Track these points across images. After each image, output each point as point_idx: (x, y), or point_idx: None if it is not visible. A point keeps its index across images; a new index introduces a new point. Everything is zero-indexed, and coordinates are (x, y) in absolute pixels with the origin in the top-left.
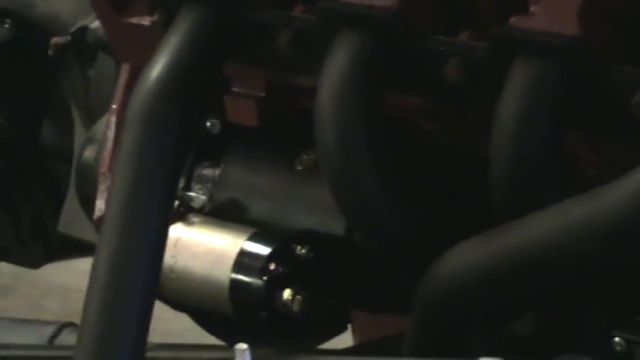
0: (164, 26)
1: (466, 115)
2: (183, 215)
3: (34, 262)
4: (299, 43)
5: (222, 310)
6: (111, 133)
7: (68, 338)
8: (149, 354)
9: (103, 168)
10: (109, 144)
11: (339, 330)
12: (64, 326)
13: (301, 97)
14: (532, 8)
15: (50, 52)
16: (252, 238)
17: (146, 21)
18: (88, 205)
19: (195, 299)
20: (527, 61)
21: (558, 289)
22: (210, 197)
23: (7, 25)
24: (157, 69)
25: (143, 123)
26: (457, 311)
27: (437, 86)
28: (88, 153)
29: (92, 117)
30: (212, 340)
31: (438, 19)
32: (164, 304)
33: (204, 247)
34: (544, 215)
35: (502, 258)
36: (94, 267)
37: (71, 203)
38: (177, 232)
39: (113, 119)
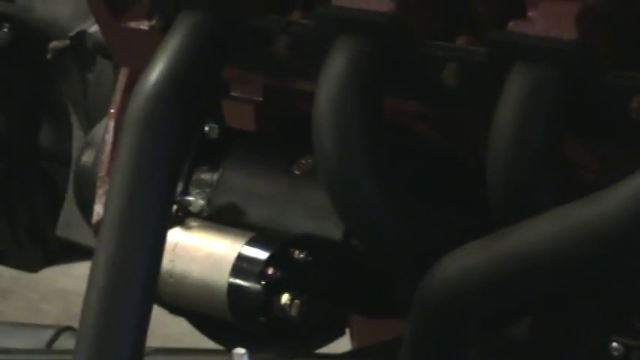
0: (162, 31)
1: (464, 120)
2: (181, 219)
3: (33, 266)
4: (297, 48)
5: (221, 314)
6: (109, 138)
7: (66, 342)
8: (147, 358)
9: (102, 172)
10: (108, 148)
11: (337, 334)
12: (62, 330)
13: (299, 102)
14: (530, 13)
15: (49, 56)
16: (251, 242)
17: (144, 25)
18: (86, 209)
19: (193, 303)
20: (525, 66)
21: (556, 294)
22: (209, 202)
23: (5, 29)
24: (155, 73)
25: (141, 127)
26: (455, 316)
27: (435, 91)
28: (87, 157)
29: (91, 121)
30: (210, 344)
31: (436, 23)
32: (162, 308)
33: (203, 251)
34: (542, 220)
35: (500, 263)
36: (93, 271)
37: (69, 207)
38: (175, 236)
39: (111, 123)
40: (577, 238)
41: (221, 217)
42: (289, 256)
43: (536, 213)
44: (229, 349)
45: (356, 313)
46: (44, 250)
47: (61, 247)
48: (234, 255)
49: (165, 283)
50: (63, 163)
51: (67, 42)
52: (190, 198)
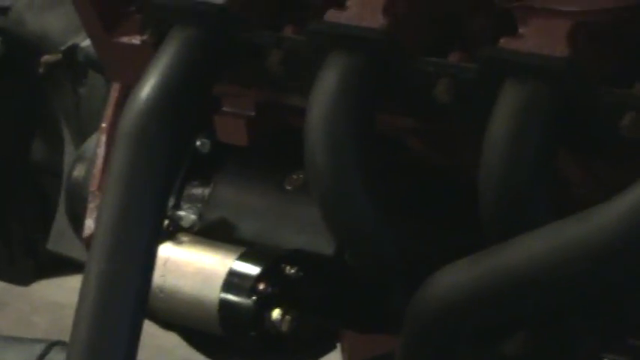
0: (155, 46)
1: (457, 136)
2: (172, 234)
3: (24, 279)
4: (289, 64)
5: (212, 329)
6: (101, 152)
7: (57, 357)
8: None
9: (93, 186)
10: (99, 162)
11: (328, 349)
12: (53, 345)
13: (291, 117)
14: (521, 30)
15: (41, 70)
16: (242, 257)
17: (137, 40)
18: (77, 223)
19: (184, 318)
20: (517, 83)
21: (549, 310)
22: (200, 216)
23: None
24: (147, 88)
25: (133, 142)
26: (447, 331)
27: (427, 107)
28: (78, 171)
29: (82, 135)
30: (202, 357)
31: (429, 40)
32: (153, 322)
33: (194, 266)
34: (534, 236)
35: (492, 279)
36: (84, 285)
37: (61, 221)
38: (166, 251)
39: (103, 138)
40: (569, 254)
41: (212, 232)
42: (281, 272)
43: (528, 229)
44: None
45: (347, 328)
46: (35, 264)
47: (52, 260)
48: (226, 270)
49: (156, 297)
50: (55, 177)
51: (60, 56)
52: (182, 213)
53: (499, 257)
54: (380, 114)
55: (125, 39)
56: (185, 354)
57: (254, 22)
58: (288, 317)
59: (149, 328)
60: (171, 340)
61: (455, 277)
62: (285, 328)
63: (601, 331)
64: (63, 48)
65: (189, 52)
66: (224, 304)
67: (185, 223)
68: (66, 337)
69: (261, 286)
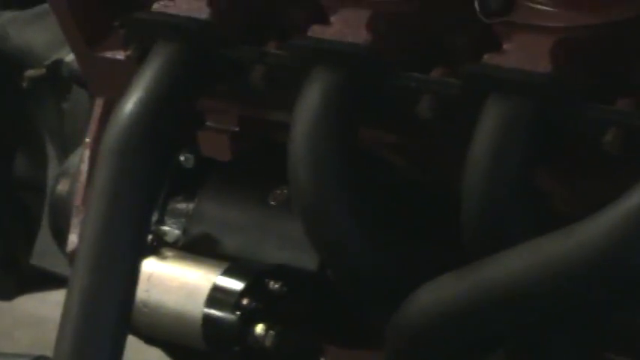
0: (138, 61)
1: (439, 152)
2: (156, 249)
3: (6, 294)
4: (272, 79)
5: (195, 344)
6: (85, 167)
7: None
8: None
9: (77, 201)
10: (83, 177)
11: None
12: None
13: (275, 132)
14: (505, 46)
15: (25, 85)
16: (226, 272)
17: (120, 55)
18: (60, 238)
19: (168, 333)
20: (499, 99)
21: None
22: (184, 231)
23: None
24: (130, 103)
25: (117, 157)
26: (429, 347)
27: (410, 122)
28: (62, 186)
29: (66, 150)
30: None
31: (412, 56)
32: (137, 337)
33: (178, 281)
34: (516, 252)
35: (474, 295)
36: (67, 300)
37: (45, 236)
38: (150, 266)
39: (87, 153)
40: (551, 270)
41: (196, 247)
42: (264, 287)
43: (510, 245)
44: None
45: (330, 343)
46: (19, 278)
47: (36, 275)
48: (209, 285)
49: (139, 312)
50: (38, 192)
51: (43, 70)
52: (166, 228)
53: (481, 273)
54: (363, 129)
55: (109, 54)
56: None
57: (237, 37)
58: (271, 332)
59: (134, 343)
60: (155, 355)
61: (438, 293)
62: (268, 343)
63: (582, 347)
64: (47, 63)
65: (173, 67)
66: (208, 319)
67: (169, 238)
68: (49, 352)
69: (245, 301)
